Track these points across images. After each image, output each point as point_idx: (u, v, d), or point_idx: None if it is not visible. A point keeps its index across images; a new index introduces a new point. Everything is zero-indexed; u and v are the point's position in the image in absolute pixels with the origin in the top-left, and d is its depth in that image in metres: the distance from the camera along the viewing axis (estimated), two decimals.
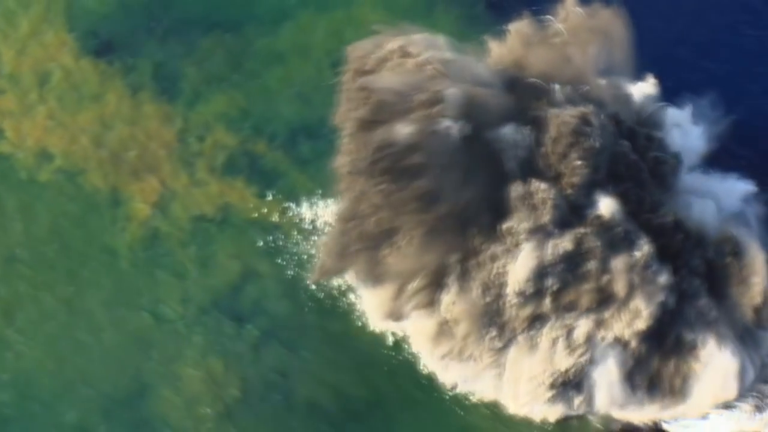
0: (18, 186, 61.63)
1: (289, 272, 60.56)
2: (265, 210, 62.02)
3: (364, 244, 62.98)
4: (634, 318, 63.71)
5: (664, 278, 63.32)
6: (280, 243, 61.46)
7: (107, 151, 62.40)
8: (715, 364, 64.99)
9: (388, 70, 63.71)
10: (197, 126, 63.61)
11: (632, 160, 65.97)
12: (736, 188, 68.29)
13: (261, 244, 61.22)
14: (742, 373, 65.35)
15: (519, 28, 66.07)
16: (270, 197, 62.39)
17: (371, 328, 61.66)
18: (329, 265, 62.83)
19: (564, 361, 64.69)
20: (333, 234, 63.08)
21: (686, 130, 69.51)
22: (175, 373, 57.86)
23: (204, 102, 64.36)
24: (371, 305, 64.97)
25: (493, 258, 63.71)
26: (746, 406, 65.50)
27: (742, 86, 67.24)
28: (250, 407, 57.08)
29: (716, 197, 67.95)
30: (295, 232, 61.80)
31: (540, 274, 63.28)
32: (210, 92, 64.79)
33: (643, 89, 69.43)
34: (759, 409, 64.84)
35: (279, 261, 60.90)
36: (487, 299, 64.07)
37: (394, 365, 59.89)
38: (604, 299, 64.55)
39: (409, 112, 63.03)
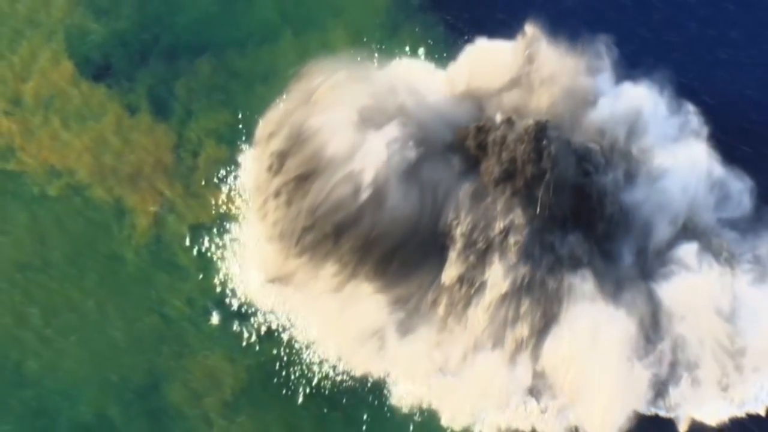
0: (31, 200, 64.55)
1: None
2: None
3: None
4: None
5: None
6: None
7: (111, 166, 65.40)
8: None
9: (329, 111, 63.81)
10: (191, 141, 66.85)
11: (596, 202, 63.93)
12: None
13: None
14: None
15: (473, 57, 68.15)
16: None
17: None
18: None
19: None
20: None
21: (663, 120, 68.41)
22: (185, 365, 61.55)
23: (196, 119, 67.42)
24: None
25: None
26: None
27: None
28: (255, 394, 60.93)
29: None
30: None
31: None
32: (201, 110, 67.71)
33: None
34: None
35: None
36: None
37: None
38: None
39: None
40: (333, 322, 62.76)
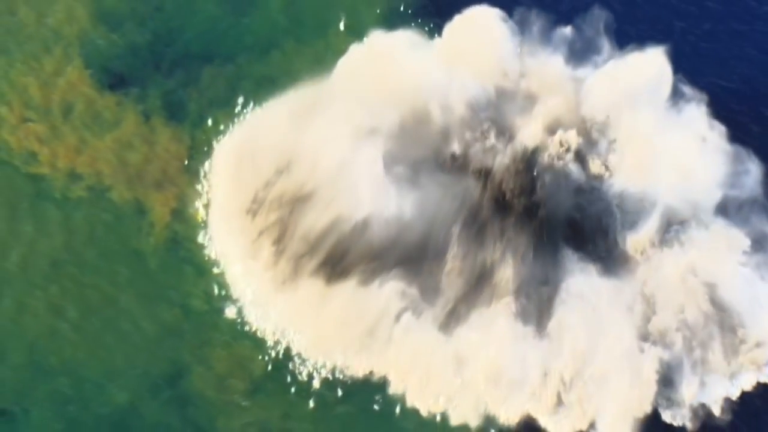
0: (54, 202, 67.16)
1: None
2: None
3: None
4: None
5: None
6: None
7: (129, 168, 68.06)
8: None
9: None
10: (204, 143, 69.57)
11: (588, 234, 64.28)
12: None
13: None
14: None
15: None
16: None
17: None
18: None
19: None
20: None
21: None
22: (206, 355, 64.05)
23: (208, 122, 69.98)
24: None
25: None
26: None
27: None
28: (277, 378, 63.49)
29: None
30: None
31: None
32: (212, 114, 70.30)
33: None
34: None
35: None
36: None
37: None
38: None
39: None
40: (323, 322, 64.49)
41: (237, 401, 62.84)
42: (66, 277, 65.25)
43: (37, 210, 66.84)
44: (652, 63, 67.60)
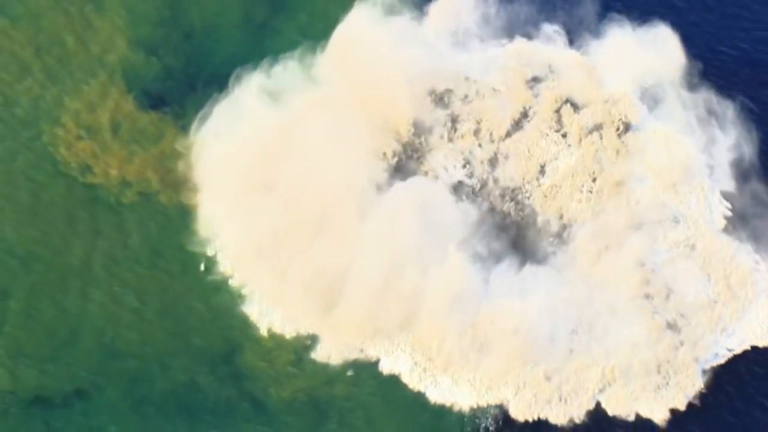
0: (109, 207, 73.55)
1: None
2: None
3: None
4: None
5: None
6: None
7: (173, 176, 74.27)
8: None
9: None
10: None
11: None
12: None
13: None
14: None
15: None
16: None
17: None
18: None
19: None
20: None
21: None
22: (255, 333, 69.97)
23: None
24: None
25: None
26: None
27: None
28: (316, 351, 69.39)
29: None
30: None
31: None
32: None
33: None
34: None
35: None
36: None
37: None
38: None
39: None
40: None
41: (284, 373, 68.60)
42: (126, 269, 71.32)
43: (93, 213, 73.07)
44: (660, 39, 71.99)
